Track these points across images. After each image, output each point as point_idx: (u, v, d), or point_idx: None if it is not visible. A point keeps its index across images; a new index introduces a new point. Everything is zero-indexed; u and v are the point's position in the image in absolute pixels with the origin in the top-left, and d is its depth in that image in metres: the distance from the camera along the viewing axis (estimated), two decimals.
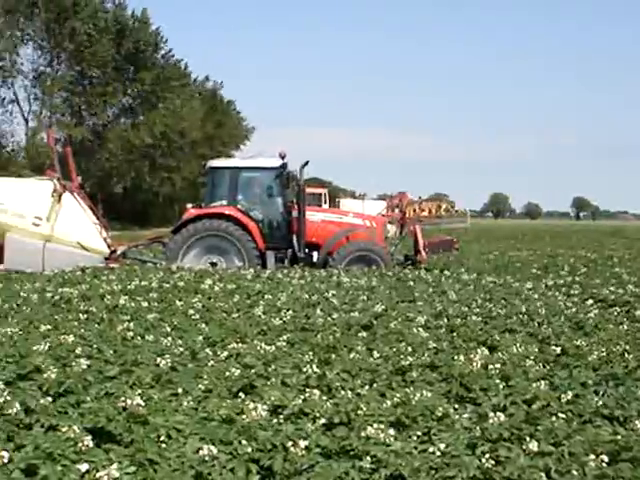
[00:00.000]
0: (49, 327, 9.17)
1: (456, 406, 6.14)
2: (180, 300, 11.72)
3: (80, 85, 63.20)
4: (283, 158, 20.00)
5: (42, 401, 5.87)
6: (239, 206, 19.74)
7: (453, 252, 23.08)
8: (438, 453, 4.90)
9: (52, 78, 61.83)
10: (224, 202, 19.91)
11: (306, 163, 20.09)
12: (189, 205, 21.34)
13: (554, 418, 5.63)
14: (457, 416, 5.77)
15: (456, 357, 7.54)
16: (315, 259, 19.73)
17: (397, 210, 26.26)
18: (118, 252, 19.62)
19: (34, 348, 7.59)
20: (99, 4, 62.23)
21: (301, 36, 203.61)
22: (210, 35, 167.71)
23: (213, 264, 18.92)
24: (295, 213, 19.92)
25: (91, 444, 4.84)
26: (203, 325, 9.64)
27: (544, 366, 7.59)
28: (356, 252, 19.44)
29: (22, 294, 12.40)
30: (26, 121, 63.29)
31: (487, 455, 4.78)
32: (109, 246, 19.29)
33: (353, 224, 20.70)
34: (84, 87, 63.22)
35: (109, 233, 20.32)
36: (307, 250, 19.84)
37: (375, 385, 6.75)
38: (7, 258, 18.05)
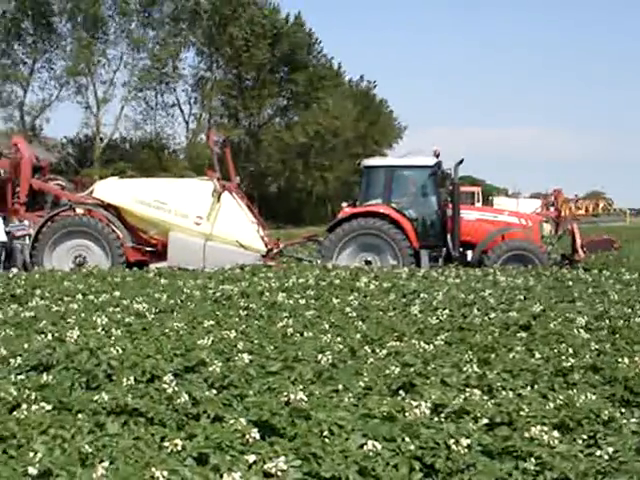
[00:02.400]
0: (212, 323, 9.45)
1: (622, 410, 5.95)
2: (337, 298, 11.85)
3: (237, 88, 64.88)
4: (437, 156, 19.93)
5: (207, 393, 6.09)
6: (393, 205, 19.77)
7: (613, 252, 22.37)
8: (605, 457, 4.77)
9: (211, 82, 63.85)
10: (379, 201, 19.99)
11: (461, 161, 19.94)
12: (344, 204, 21.58)
13: None
14: (624, 420, 5.60)
15: (620, 359, 7.31)
16: (469, 258, 19.55)
17: (552, 208, 25.65)
18: (275, 250, 20.04)
19: (199, 342, 7.88)
20: (257, 10, 63.76)
21: (455, 36, 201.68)
22: (364, 35, 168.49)
23: (368, 262, 19.04)
24: (449, 212, 19.80)
25: (257, 436, 4.99)
26: (360, 323, 9.70)
27: None
28: (512, 251, 19.13)
29: (185, 291, 12.85)
30: (187, 123, 65.79)
31: None
32: (266, 244, 19.71)
33: (509, 223, 20.39)
34: (241, 90, 64.88)
35: (266, 231, 20.77)
36: (461, 249, 19.69)
37: (536, 386, 6.62)
38: (170, 255, 18.83)
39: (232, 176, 21.22)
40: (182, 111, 65.52)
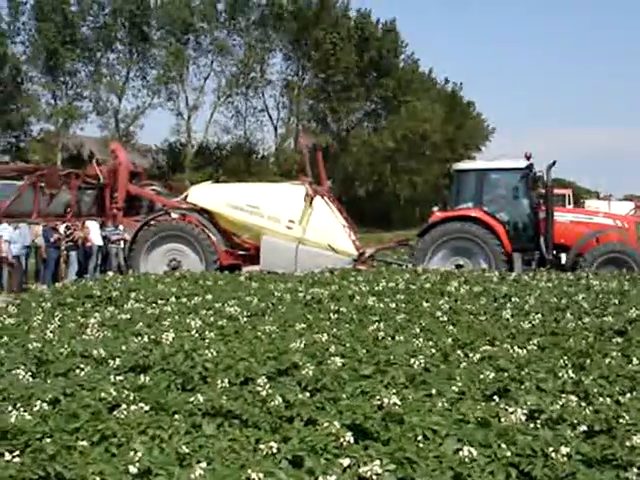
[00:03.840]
0: (303, 326, 9.53)
1: None
2: (427, 302, 11.78)
3: (325, 92, 65.16)
4: (529, 159, 19.67)
5: (301, 396, 6.13)
6: (485, 208, 19.59)
7: None
8: None
9: (299, 86, 64.33)
10: (470, 204, 19.84)
11: (553, 163, 19.63)
12: (435, 208, 21.49)
13: None
14: None
15: None
16: (563, 261, 19.21)
17: None
18: (366, 254, 20.06)
19: (291, 345, 7.95)
20: (341, 13, 63.99)
21: (539, 35, 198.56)
22: (450, 35, 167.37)
23: (459, 266, 18.91)
24: (542, 214, 19.52)
25: (351, 440, 5.00)
26: (451, 327, 9.64)
27: None
28: (608, 254, 18.70)
29: (276, 294, 12.95)
30: (275, 129, 66.36)
31: None
32: (357, 248, 19.75)
33: (604, 225, 19.94)
34: (328, 94, 65.10)
35: (357, 235, 20.82)
36: (555, 252, 19.38)
37: (635, 393, 6.47)
38: (263, 259, 19.07)
39: (323, 180, 21.35)
40: (270, 116, 66.13)
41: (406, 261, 20.39)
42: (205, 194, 20.74)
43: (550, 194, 19.64)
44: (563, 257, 19.34)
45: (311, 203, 19.50)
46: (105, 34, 57.13)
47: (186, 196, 20.88)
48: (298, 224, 19.32)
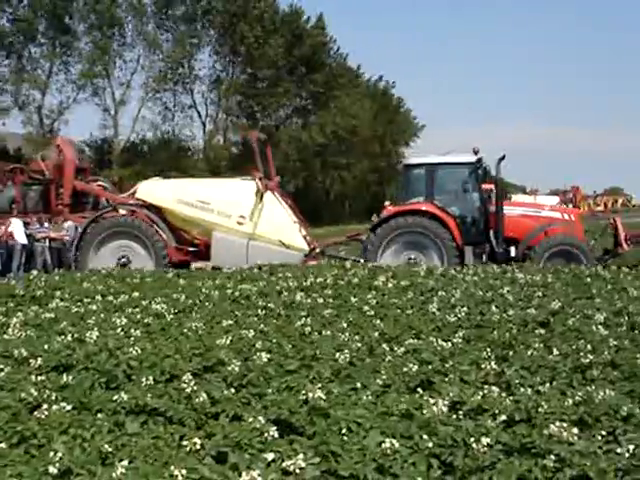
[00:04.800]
0: (230, 322, 9.50)
1: None
2: (355, 296, 11.84)
3: (253, 88, 64.95)
4: (477, 153, 19.96)
5: (226, 392, 6.12)
6: (436, 202, 19.80)
7: None
8: (626, 455, 4.75)
9: (227, 82, 63.98)
10: (421, 199, 20.03)
11: (502, 157, 19.89)
12: (387, 203, 21.71)
13: None
14: None
15: (639, 355, 7.28)
16: (513, 254, 19.55)
17: (571, 205, 25.57)
18: (317, 250, 20.11)
19: (217, 342, 7.92)
20: (268, 7, 63.80)
21: (469, 33, 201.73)
22: (384, 35, 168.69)
23: (412, 260, 19.10)
24: (492, 208, 19.80)
25: (275, 435, 5.01)
26: (378, 321, 9.69)
27: None
28: (557, 246, 19.13)
29: (204, 291, 12.88)
30: (204, 125, 65.88)
31: None
32: (309, 244, 19.79)
33: (552, 218, 20.36)
34: (257, 90, 64.92)
35: (308, 230, 20.83)
36: (505, 245, 19.69)
37: (555, 383, 6.60)
38: (214, 255, 19.07)
39: (273, 175, 21.31)
40: (199, 112, 65.65)
41: (359, 256, 20.49)
42: (154, 190, 20.56)
43: (499, 188, 19.89)
44: (512, 250, 19.64)
45: (262, 198, 19.45)
46: (24, 27, 55.70)
47: (134, 192, 20.61)
48: (249, 220, 19.32)
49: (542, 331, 9.05)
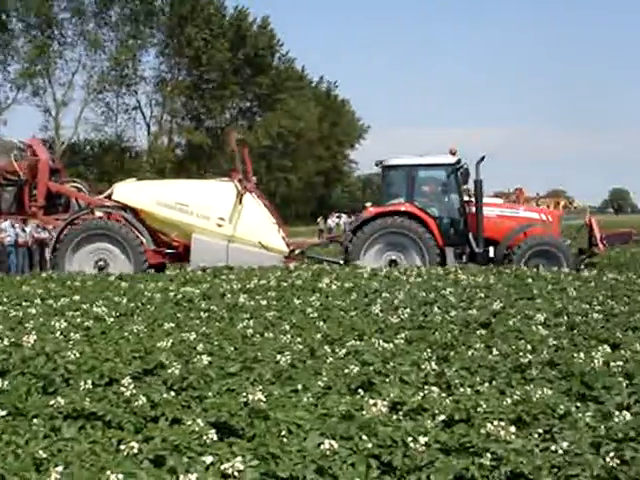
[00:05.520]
0: (172, 325, 9.43)
1: (578, 404, 6.01)
2: (298, 299, 11.85)
3: (199, 89, 64.68)
4: (454, 154, 20.13)
5: (166, 395, 6.05)
6: (416, 203, 19.90)
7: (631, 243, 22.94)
8: (560, 452, 4.81)
9: (172, 84, 63.57)
10: (401, 200, 20.12)
11: (482, 158, 20.04)
12: (368, 204, 21.91)
13: None
14: (580, 414, 5.64)
15: (576, 355, 7.38)
16: (491, 254, 19.73)
17: None
18: (296, 251, 20.11)
19: (158, 345, 7.84)
20: (215, 10, 63.58)
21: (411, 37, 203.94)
22: (328, 35, 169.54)
23: (393, 261, 19.24)
24: (471, 209, 19.98)
25: (215, 437, 4.97)
26: (321, 323, 9.70)
27: None
28: (537, 246, 19.37)
29: (146, 294, 12.78)
30: (148, 126, 65.37)
31: (612, 454, 4.67)
32: (288, 245, 19.80)
33: (529, 218, 20.60)
34: (202, 91, 64.66)
35: (287, 232, 20.82)
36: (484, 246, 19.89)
37: (494, 382, 6.67)
38: (193, 257, 18.94)
39: (250, 176, 21.19)
40: (143, 113, 65.19)
41: (338, 258, 20.56)
42: (131, 192, 20.31)
43: (479, 189, 20.03)
44: (491, 250, 19.84)
45: (241, 200, 19.38)
46: None
47: (110, 194, 20.31)
48: (228, 222, 19.26)
49: (483, 332, 9.14)
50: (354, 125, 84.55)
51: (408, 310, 10.60)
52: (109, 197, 20.29)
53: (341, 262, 19.45)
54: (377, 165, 21.17)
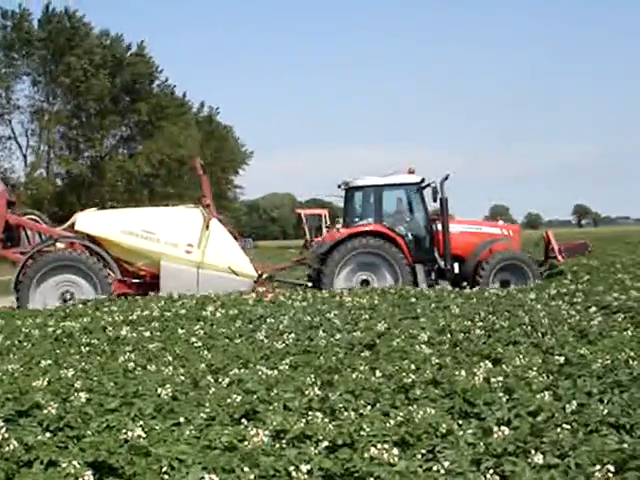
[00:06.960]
0: (50, 362, 9.12)
1: (460, 422, 6.08)
2: (182, 328, 11.69)
3: (77, 119, 63.41)
4: (412, 173, 20.54)
5: (41, 437, 5.80)
6: (384, 223, 19.95)
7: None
8: (442, 471, 4.84)
9: (49, 113, 62.08)
10: (370, 220, 20.22)
11: (446, 177, 20.24)
12: (338, 225, 22.00)
13: (559, 429, 5.54)
14: (461, 432, 5.70)
15: (458, 372, 7.49)
16: (456, 270, 19.97)
17: None
18: (264, 275, 19.91)
19: (34, 384, 7.55)
20: (95, 39, 62.52)
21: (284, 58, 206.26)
22: (206, 62, 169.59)
23: (365, 281, 19.36)
24: (437, 227, 20.21)
25: (92, 479, 4.80)
26: (205, 352, 9.59)
27: (548, 377, 7.50)
28: (504, 261, 19.70)
29: (24, 330, 12.36)
30: (24, 157, 63.49)
31: (492, 470, 4.73)
32: (256, 269, 19.62)
33: (492, 234, 20.90)
34: (81, 121, 63.44)
35: (252, 257, 20.63)
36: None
37: (378, 405, 6.69)
38: (163, 285, 18.43)
39: (210, 202, 20.84)
40: (19, 144, 63.27)
41: (306, 281, 20.45)
42: (95, 221, 19.62)
43: (445, 207, 20.21)
44: (456, 267, 20.03)
45: (208, 226, 19.07)
46: None
47: (72, 224, 19.57)
48: (197, 248, 18.85)
49: (368, 353, 9.21)
50: (238, 151, 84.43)
51: (293, 335, 10.59)
52: (71, 227, 19.68)
53: (309, 284, 19.49)
54: (340, 187, 21.24)
